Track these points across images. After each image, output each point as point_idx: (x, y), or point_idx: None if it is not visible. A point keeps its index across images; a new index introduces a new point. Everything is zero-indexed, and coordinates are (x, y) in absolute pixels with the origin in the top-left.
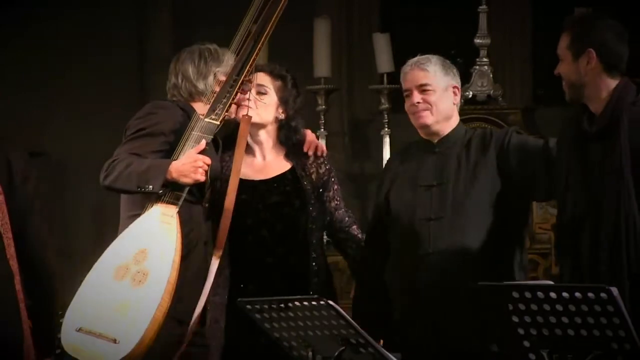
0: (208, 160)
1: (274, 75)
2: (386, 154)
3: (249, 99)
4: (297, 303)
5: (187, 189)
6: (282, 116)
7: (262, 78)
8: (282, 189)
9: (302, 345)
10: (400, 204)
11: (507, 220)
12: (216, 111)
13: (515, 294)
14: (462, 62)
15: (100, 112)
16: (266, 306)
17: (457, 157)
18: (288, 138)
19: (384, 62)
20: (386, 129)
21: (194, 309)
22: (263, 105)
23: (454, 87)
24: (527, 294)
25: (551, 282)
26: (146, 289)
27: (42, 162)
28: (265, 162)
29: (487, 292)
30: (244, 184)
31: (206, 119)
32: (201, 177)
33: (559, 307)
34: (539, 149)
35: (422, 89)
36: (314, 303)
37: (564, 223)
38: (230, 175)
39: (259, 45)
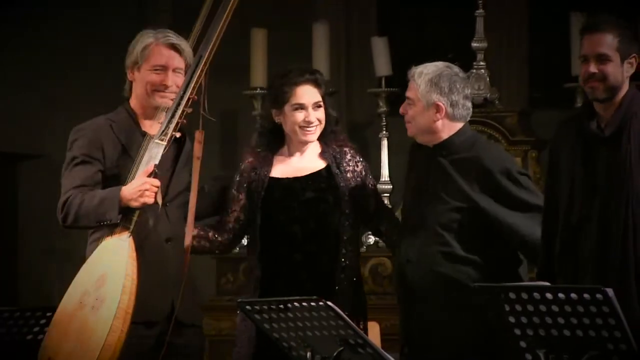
0: (156, 182)
1: (318, 83)
2: (384, 157)
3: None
4: (296, 304)
5: (137, 212)
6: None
7: (312, 92)
8: (317, 186)
9: (302, 345)
10: (404, 207)
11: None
12: (164, 131)
13: (512, 295)
14: (460, 65)
15: (100, 113)
16: (265, 307)
17: (443, 169)
18: (332, 132)
19: (382, 66)
20: (384, 132)
21: (162, 308)
22: (323, 119)
23: (437, 105)
24: (524, 295)
25: (547, 283)
26: (99, 315)
27: (42, 164)
28: (301, 160)
29: (484, 292)
30: (279, 182)
31: (155, 140)
32: (149, 200)
33: (555, 308)
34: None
35: (407, 102)
36: (313, 304)
37: (570, 224)
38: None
39: (202, 65)
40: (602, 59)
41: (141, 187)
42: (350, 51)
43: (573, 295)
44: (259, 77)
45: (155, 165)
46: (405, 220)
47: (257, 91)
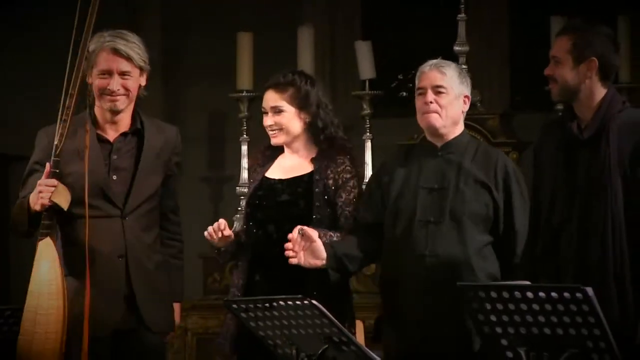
0: (51, 182)
1: (280, 88)
2: (368, 158)
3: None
4: (281, 303)
5: (49, 215)
6: (308, 119)
7: (271, 97)
8: (294, 190)
9: (287, 343)
10: (401, 204)
11: (496, 231)
12: (59, 131)
13: (494, 294)
14: None
15: None
16: (251, 305)
17: (459, 165)
18: (318, 136)
19: (366, 69)
20: (368, 134)
21: (108, 323)
22: (284, 124)
23: (466, 96)
24: (505, 294)
25: (528, 282)
26: (39, 324)
27: None
28: (293, 163)
29: (467, 291)
30: (267, 181)
31: (54, 142)
32: (44, 202)
33: (535, 307)
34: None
35: (437, 90)
36: (298, 302)
37: (551, 225)
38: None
39: (78, 59)
40: (555, 61)
41: (37, 189)
42: (335, 54)
43: (553, 294)
44: (245, 79)
45: (50, 164)
46: (411, 216)
47: (243, 94)
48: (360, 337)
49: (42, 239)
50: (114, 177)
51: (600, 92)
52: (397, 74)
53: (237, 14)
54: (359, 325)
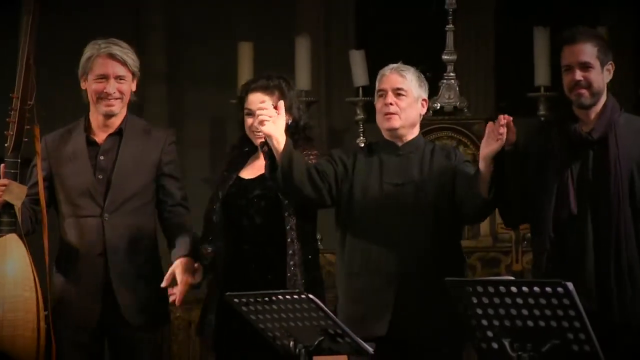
0: (2, 182)
1: (268, 91)
2: None
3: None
4: (280, 297)
5: (11, 211)
6: (290, 120)
7: (260, 99)
8: (265, 185)
9: (285, 335)
10: (366, 197)
11: (453, 217)
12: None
13: (480, 288)
14: (431, 76)
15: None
16: (252, 299)
17: (420, 161)
18: (298, 137)
19: (359, 76)
20: (361, 137)
21: (89, 317)
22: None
23: (424, 99)
24: (490, 288)
25: (512, 278)
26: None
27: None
28: (261, 163)
29: (454, 286)
30: (241, 181)
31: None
32: None
33: (519, 300)
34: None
35: (397, 92)
36: (295, 297)
37: (560, 220)
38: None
39: (23, 70)
40: (585, 66)
41: None
42: (330, 63)
43: (536, 288)
44: None
45: (4, 165)
46: (378, 210)
47: None
48: None
49: (3, 236)
50: (100, 177)
51: (605, 96)
52: None
53: (238, 24)
54: None
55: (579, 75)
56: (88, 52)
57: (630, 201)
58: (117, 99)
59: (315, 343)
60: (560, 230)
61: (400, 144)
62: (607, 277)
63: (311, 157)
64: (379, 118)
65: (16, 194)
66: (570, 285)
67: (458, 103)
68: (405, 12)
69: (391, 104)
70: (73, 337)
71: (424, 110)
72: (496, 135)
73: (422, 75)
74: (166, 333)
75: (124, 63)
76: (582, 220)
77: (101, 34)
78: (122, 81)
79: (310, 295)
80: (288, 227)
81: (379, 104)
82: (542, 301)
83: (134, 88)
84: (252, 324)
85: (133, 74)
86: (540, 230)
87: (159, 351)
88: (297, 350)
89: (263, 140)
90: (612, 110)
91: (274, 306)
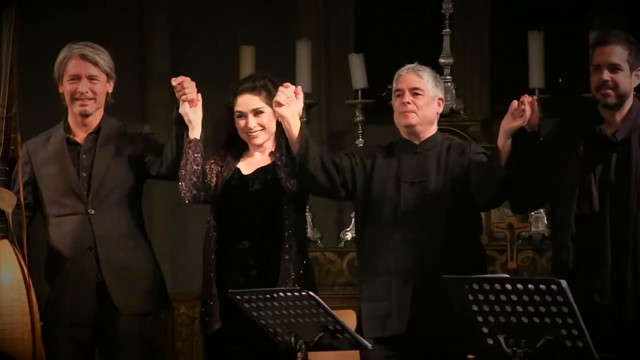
0: None
1: (257, 91)
2: None
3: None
4: (281, 294)
5: (2, 217)
6: (278, 118)
7: (250, 100)
8: (264, 179)
9: (286, 331)
10: (384, 197)
11: (471, 213)
12: None
13: (475, 286)
14: None
15: None
16: (254, 297)
17: (437, 159)
18: (280, 132)
19: (358, 80)
20: (360, 139)
21: (84, 310)
22: (266, 124)
23: (440, 98)
24: (486, 286)
25: (507, 275)
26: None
27: None
28: (257, 159)
29: (451, 284)
30: (239, 174)
31: None
32: None
33: (514, 297)
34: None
35: (414, 92)
36: (296, 294)
37: (583, 215)
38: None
39: (6, 81)
40: (614, 68)
41: None
42: (330, 66)
43: (530, 285)
44: None
45: None
46: (395, 207)
47: None
48: (352, 325)
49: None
50: (83, 175)
51: (632, 99)
52: (387, 84)
53: (240, 28)
54: (351, 314)
55: (607, 75)
56: (62, 55)
57: None
58: (90, 99)
59: (316, 339)
60: (581, 227)
61: (417, 142)
62: (624, 274)
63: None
64: (396, 116)
65: (7, 201)
66: (563, 282)
67: (454, 105)
68: (403, 16)
69: (408, 102)
70: (70, 334)
71: (441, 109)
72: (519, 113)
73: (438, 75)
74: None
75: (95, 63)
76: (602, 218)
77: (105, 37)
78: (94, 81)
79: (311, 293)
80: (287, 222)
81: (396, 102)
82: (537, 298)
83: (109, 89)
84: (254, 320)
85: (107, 74)
86: (562, 226)
87: (152, 339)
88: (298, 345)
89: (258, 140)
90: (638, 114)
91: (275, 303)
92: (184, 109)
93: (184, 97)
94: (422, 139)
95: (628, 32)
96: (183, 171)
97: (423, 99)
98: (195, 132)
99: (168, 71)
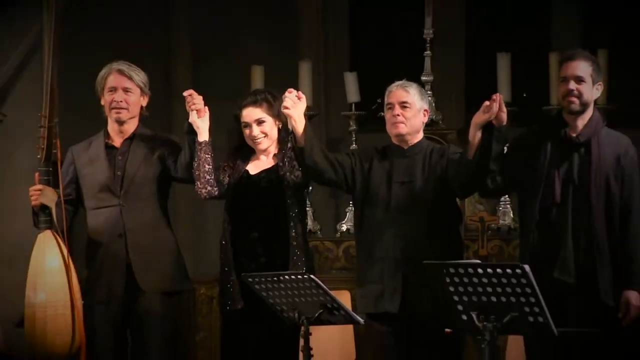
0: (37, 187)
1: (259, 104)
2: None
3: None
4: (286, 277)
5: (47, 211)
6: (279, 126)
7: (253, 112)
8: (270, 178)
9: (291, 308)
10: (378, 195)
11: (452, 207)
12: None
13: (452, 270)
14: None
15: None
16: (263, 279)
17: (422, 162)
18: (284, 140)
19: (352, 94)
20: (354, 145)
21: (114, 288)
22: (268, 132)
23: (425, 110)
24: (461, 270)
25: (479, 261)
26: (49, 299)
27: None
28: (263, 161)
29: (430, 269)
30: (247, 175)
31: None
32: (35, 202)
33: (484, 280)
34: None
35: (403, 105)
36: (299, 277)
37: (546, 207)
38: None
39: (47, 95)
40: (579, 80)
41: (30, 193)
42: (328, 83)
43: (498, 270)
44: None
45: (38, 174)
46: (387, 205)
47: None
48: (347, 304)
49: (41, 232)
50: (118, 174)
51: (592, 109)
52: (377, 98)
53: (251, 51)
54: (346, 295)
55: (572, 85)
56: (102, 71)
57: (605, 199)
58: (124, 108)
59: (316, 315)
60: (546, 215)
61: (406, 147)
62: (585, 256)
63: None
64: (388, 126)
65: (50, 197)
66: (526, 267)
67: (434, 116)
68: (391, 40)
69: (398, 115)
70: (104, 311)
71: (426, 119)
72: (488, 108)
73: (424, 90)
74: (185, 300)
75: (130, 78)
76: (564, 207)
77: (135, 57)
78: (129, 93)
79: (312, 276)
80: (292, 214)
81: (388, 114)
82: (504, 280)
83: (143, 103)
84: (264, 299)
85: (141, 89)
86: (528, 214)
87: (175, 318)
88: (301, 320)
89: (262, 146)
90: (597, 122)
91: (282, 285)
92: (193, 117)
93: (193, 107)
94: (410, 145)
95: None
96: (197, 172)
97: (411, 111)
98: (204, 136)
99: (190, 87)
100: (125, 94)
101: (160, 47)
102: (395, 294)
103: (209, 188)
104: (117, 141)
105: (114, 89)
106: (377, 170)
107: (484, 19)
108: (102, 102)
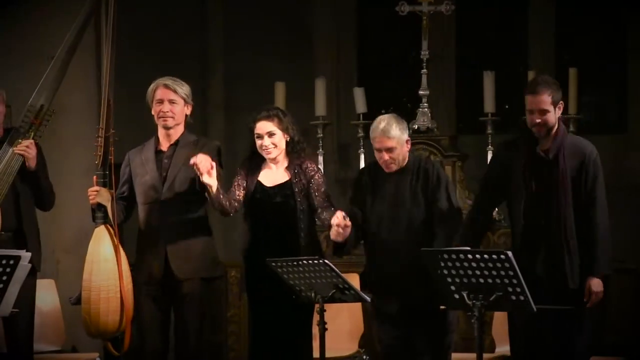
0: (94, 188)
1: (270, 118)
2: (362, 166)
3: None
4: (304, 261)
5: (102, 209)
6: (287, 139)
7: (265, 125)
8: (285, 193)
9: (309, 288)
10: (376, 214)
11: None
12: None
13: (445, 256)
14: (410, 105)
15: None
16: (285, 264)
17: (410, 181)
18: (294, 150)
19: (360, 106)
20: (362, 149)
21: (153, 271)
22: (277, 143)
23: (407, 140)
24: (453, 256)
25: (468, 248)
26: (104, 284)
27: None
28: (273, 172)
29: (427, 255)
30: (262, 186)
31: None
32: (92, 201)
33: (473, 264)
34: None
35: (388, 149)
36: (315, 262)
37: (528, 220)
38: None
39: (104, 110)
40: (543, 112)
41: (88, 193)
42: (340, 96)
43: (485, 256)
44: None
45: (95, 177)
46: (382, 217)
47: None
48: (356, 284)
49: (97, 227)
50: (163, 175)
51: (557, 124)
52: (382, 109)
53: (274, 69)
54: (355, 277)
55: (538, 117)
56: (152, 86)
57: (573, 198)
58: (170, 117)
59: (330, 294)
60: (529, 217)
61: (395, 170)
62: (556, 248)
63: (313, 174)
64: (380, 163)
65: (105, 197)
66: (509, 253)
67: (430, 125)
68: (392, 60)
69: (386, 159)
70: (146, 289)
71: (409, 146)
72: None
73: (402, 121)
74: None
75: (174, 91)
76: (539, 214)
77: (176, 74)
78: (174, 104)
79: (326, 261)
80: (301, 217)
81: (377, 155)
82: (490, 265)
83: (188, 112)
84: (284, 281)
85: (184, 100)
86: (514, 217)
87: (209, 300)
88: (317, 299)
89: (272, 155)
90: (562, 134)
91: (300, 269)
92: (203, 179)
93: (199, 173)
94: (399, 167)
95: (556, 67)
96: (219, 209)
97: (396, 151)
98: (214, 188)
99: (222, 101)
100: (170, 105)
101: (198, 66)
102: (396, 278)
103: (233, 209)
104: (164, 145)
105: (161, 101)
106: (373, 185)
107: (471, 41)
108: (153, 112)
